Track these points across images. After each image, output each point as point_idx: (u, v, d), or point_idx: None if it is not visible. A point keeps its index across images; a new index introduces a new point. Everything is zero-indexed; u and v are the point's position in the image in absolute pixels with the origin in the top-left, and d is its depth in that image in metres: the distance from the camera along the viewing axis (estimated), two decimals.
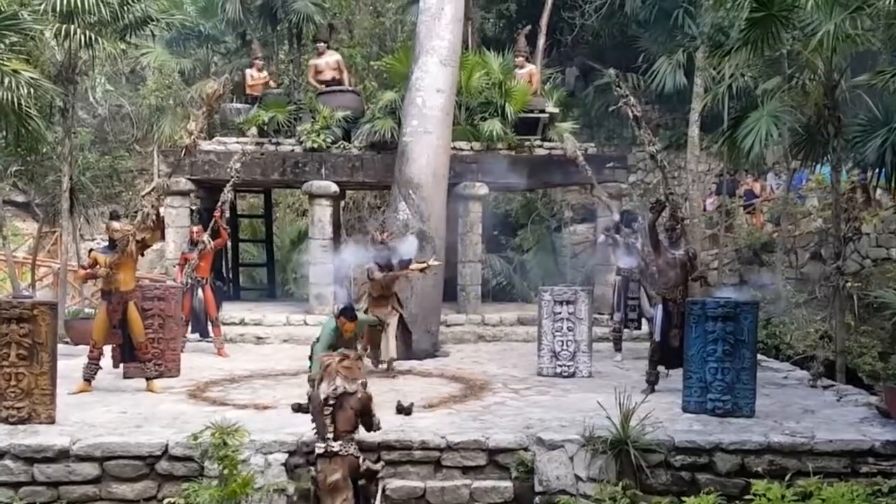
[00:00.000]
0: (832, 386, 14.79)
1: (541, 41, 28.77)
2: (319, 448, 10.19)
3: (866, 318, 18.83)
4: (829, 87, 15.14)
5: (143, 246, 14.07)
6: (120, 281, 13.80)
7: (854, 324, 18.34)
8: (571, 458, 10.74)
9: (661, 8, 28.28)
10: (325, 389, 10.36)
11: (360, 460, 10.28)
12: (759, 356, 14.42)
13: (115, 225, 14.08)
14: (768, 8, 14.73)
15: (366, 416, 10.54)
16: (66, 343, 18.22)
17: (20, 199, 29.66)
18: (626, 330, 18.11)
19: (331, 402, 10.29)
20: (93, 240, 28.40)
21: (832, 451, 10.87)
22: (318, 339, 13.48)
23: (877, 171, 14.73)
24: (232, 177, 17.71)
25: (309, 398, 11.02)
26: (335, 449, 10.15)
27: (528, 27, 25.20)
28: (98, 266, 13.86)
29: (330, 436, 10.20)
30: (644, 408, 11.29)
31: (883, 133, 13.86)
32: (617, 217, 18.17)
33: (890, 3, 13.71)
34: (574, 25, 31.19)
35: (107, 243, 14.41)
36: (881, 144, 13.81)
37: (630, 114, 14.61)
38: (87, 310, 21.21)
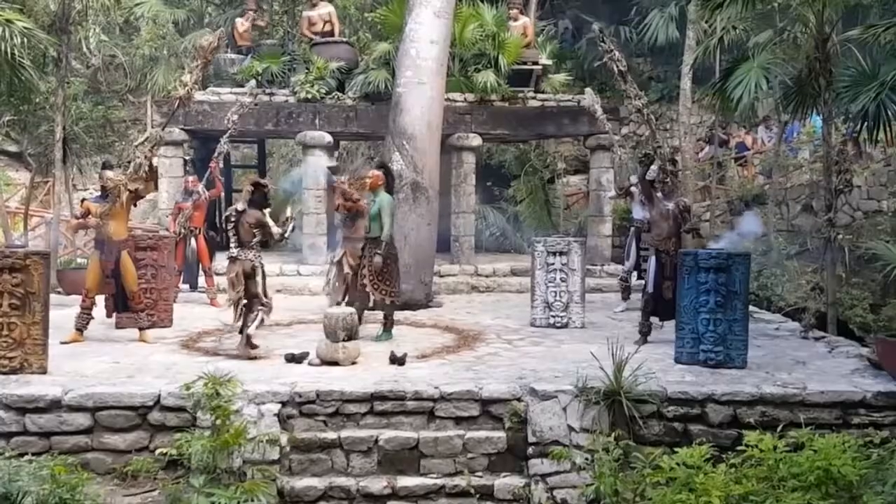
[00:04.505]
0: (823, 337, 14.84)
1: None
2: (230, 253, 13.07)
3: (857, 270, 18.86)
4: (820, 40, 15.10)
5: (136, 196, 14.09)
6: (112, 231, 13.78)
7: (845, 276, 18.35)
8: (564, 409, 10.77)
9: None
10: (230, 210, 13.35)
11: (252, 266, 12.99)
12: (751, 307, 14.42)
13: (108, 174, 14.00)
14: None
15: (263, 228, 13.00)
16: (59, 293, 18.18)
17: (13, 148, 29.47)
18: (640, 280, 18.12)
19: (232, 219, 13.06)
20: (85, 189, 28.33)
21: (824, 402, 10.91)
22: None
23: (862, 123, 14.69)
24: (229, 128, 17.70)
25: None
26: (234, 254, 12.97)
27: None
28: (90, 216, 13.86)
29: (234, 244, 12.99)
30: (637, 359, 11.30)
31: (874, 87, 13.83)
32: (633, 178, 18.04)
33: None
34: None
35: (99, 193, 14.38)
36: (873, 98, 13.79)
37: (615, 69, 14.65)
38: (79, 260, 21.21)
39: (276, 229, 13.12)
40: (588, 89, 18.76)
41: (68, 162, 21.06)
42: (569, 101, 22.24)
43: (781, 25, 16.70)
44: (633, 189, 17.62)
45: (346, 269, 15.30)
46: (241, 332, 13.21)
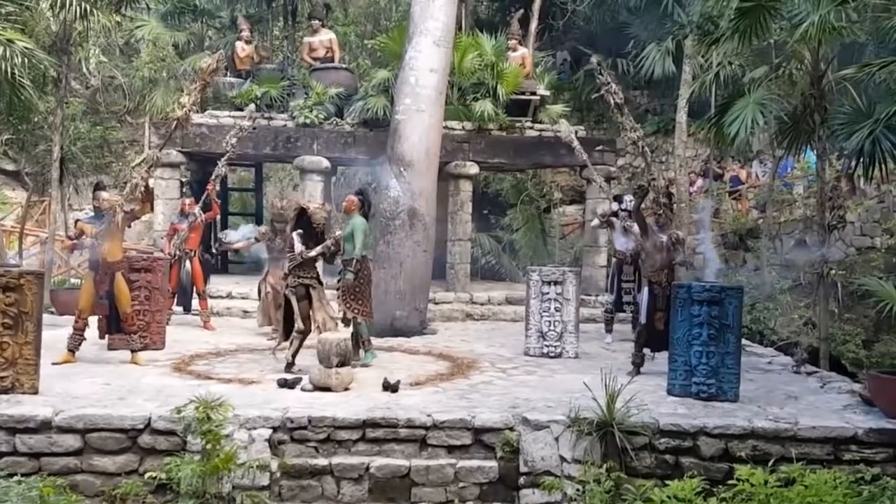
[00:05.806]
0: (816, 372, 14.83)
1: (533, 25, 28.84)
2: None
3: (850, 306, 18.89)
4: (815, 77, 15.21)
5: (131, 217, 14.11)
6: (107, 252, 13.77)
7: (838, 311, 18.40)
8: (557, 439, 10.75)
9: None
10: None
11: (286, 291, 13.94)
12: (744, 341, 14.44)
13: (103, 195, 14.03)
14: None
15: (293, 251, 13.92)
16: (51, 313, 18.17)
17: (10, 167, 29.56)
18: (620, 313, 18.12)
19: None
20: (81, 209, 28.38)
21: (815, 437, 10.88)
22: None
23: (857, 160, 14.75)
24: (227, 151, 17.77)
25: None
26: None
27: (521, 11, 25.26)
28: (84, 236, 13.88)
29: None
30: (629, 390, 11.29)
31: (869, 125, 13.89)
32: (615, 206, 18.03)
33: None
34: (566, 10, 31.34)
35: (93, 214, 14.40)
36: (868, 135, 13.85)
37: (612, 101, 14.71)
38: (72, 280, 21.20)
39: (297, 249, 13.74)
40: (563, 120, 18.95)
41: (65, 182, 21.15)
42: None
43: (777, 62, 16.81)
44: (612, 219, 17.70)
45: (268, 290, 16.44)
46: (272, 351, 14.65)
